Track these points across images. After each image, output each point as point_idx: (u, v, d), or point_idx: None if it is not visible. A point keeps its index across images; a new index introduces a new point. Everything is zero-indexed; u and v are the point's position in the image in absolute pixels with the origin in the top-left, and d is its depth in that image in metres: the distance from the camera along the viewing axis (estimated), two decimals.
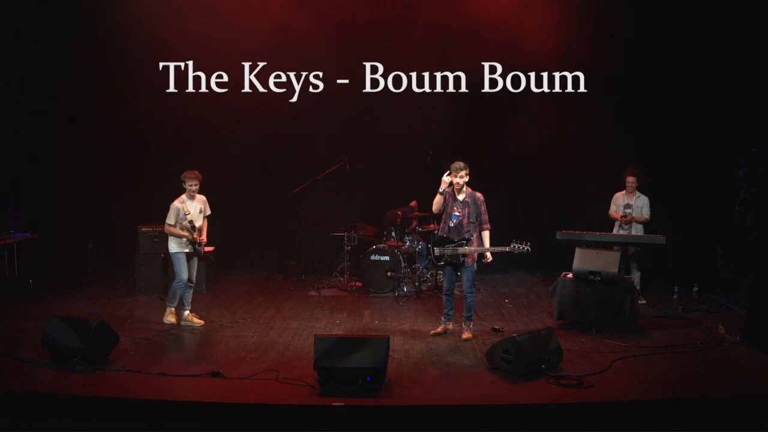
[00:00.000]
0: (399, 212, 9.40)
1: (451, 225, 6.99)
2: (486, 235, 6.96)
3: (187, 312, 7.51)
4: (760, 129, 8.31)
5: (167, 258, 9.15)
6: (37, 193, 9.96)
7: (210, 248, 9.25)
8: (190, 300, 7.53)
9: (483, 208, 6.94)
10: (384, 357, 5.55)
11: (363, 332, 7.30)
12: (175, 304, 7.47)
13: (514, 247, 6.78)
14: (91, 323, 6.12)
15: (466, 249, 6.88)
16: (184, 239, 7.39)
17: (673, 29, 9.21)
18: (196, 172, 7.46)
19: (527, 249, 6.76)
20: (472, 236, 6.90)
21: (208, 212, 7.69)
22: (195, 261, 7.60)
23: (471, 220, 6.90)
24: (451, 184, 6.95)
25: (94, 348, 6.03)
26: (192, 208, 7.43)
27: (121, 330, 6.80)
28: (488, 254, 6.99)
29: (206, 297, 8.85)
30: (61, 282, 9.38)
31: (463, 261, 6.94)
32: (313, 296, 9.08)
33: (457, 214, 6.98)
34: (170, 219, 7.34)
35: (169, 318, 7.46)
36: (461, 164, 6.91)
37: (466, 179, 6.93)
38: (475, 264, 7.02)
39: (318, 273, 9.87)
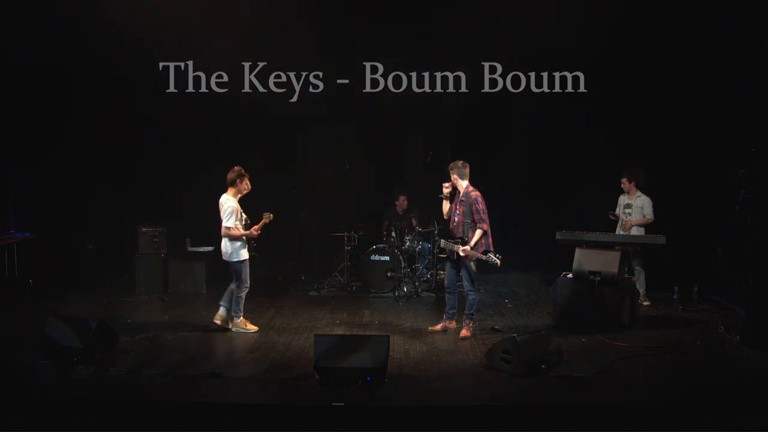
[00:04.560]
0: (385, 222, 9.63)
1: (454, 222, 7.12)
2: (476, 233, 6.85)
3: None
4: (760, 129, 8.31)
5: (167, 258, 9.22)
6: (37, 193, 9.95)
7: (209, 248, 9.28)
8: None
9: (475, 207, 6.88)
10: (384, 357, 5.55)
11: (363, 332, 7.30)
12: (242, 311, 7.21)
13: (489, 257, 6.79)
14: (91, 323, 6.14)
15: (456, 248, 6.90)
16: (242, 241, 6.98)
17: (675, 29, 9.20)
18: None
19: (497, 262, 6.78)
20: (467, 236, 6.90)
21: None
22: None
23: (465, 219, 6.94)
24: (454, 187, 7.09)
25: (94, 348, 6.04)
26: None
27: (121, 330, 6.80)
28: (460, 248, 6.91)
29: (206, 297, 8.85)
30: (61, 282, 9.38)
31: (458, 258, 6.96)
32: (313, 296, 9.08)
33: (457, 212, 7.07)
34: (231, 221, 6.87)
35: (249, 326, 7.19)
36: (452, 163, 7.09)
37: (454, 177, 7.06)
38: (472, 263, 7.01)
39: (318, 273, 9.89)
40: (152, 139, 10.08)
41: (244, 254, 7.07)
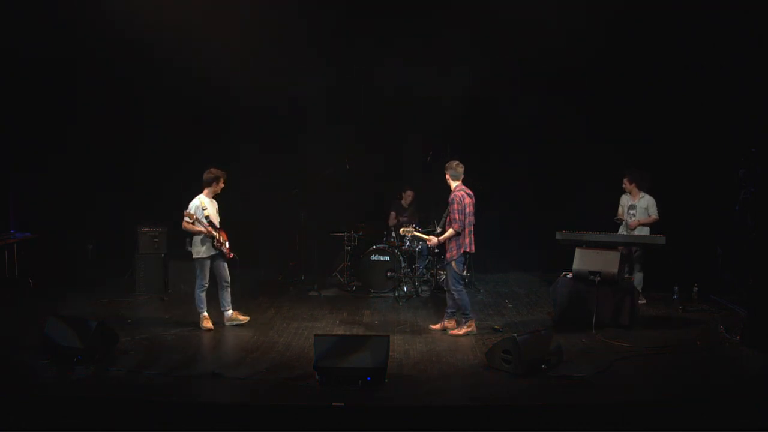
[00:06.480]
0: (392, 213, 9.78)
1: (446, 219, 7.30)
2: (448, 231, 7.00)
3: (230, 312, 7.52)
4: (760, 129, 8.31)
5: (167, 258, 9.24)
6: (37, 193, 9.95)
7: None
8: (229, 300, 7.51)
9: (451, 207, 7.00)
10: (384, 357, 5.55)
11: (363, 332, 7.30)
12: (205, 308, 7.40)
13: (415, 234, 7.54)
14: (91, 323, 6.14)
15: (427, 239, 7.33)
16: (202, 237, 7.21)
17: (675, 29, 9.19)
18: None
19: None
20: (443, 230, 7.11)
21: None
22: (223, 261, 7.46)
23: (444, 215, 7.14)
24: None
25: (94, 348, 6.04)
26: (210, 207, 7.34)
27: (121, 330, 6.82)
28: (433, 238, 7.26)
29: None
30: (61, 282, 9.37)
31: (424, 248, 7.38)
32: (313, 296, 9.08)
33: (447, 209, 7.20)
34: (186, 218, 7.21)
35: (205, 324, 7.35)
36: (448, 163, 7.19)
37: (447, 177, 7.16)
38: (453, 263, 7.02)
39: (318, 273, 9.89)
40: (152, 139, 10.08)
41: (202, 252, 7.30)
